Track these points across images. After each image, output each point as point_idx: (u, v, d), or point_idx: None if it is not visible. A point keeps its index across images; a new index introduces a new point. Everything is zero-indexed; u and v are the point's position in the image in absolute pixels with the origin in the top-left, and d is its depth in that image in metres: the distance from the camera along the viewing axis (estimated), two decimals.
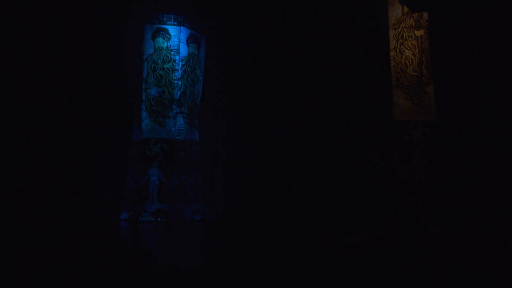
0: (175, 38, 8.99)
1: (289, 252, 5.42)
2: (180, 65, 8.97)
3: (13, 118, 7.62)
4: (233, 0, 9.07)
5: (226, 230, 8.08)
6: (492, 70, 8.02)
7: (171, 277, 3.75)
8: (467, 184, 8.00)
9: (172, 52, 8.96)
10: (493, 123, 8.04)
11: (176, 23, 9.02)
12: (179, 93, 8.91)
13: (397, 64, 8.85)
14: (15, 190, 7.30)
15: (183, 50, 9.03)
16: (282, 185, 9.52)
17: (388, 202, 8.41)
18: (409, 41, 8.86)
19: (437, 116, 8.62)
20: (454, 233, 6.86)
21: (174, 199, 8.60)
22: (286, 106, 9.61)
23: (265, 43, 9.54)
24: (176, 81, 8.92)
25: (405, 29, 8.89)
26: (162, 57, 8.93)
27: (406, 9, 8.85)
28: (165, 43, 8.96)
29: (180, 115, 8.88)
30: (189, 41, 9.13)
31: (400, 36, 8.90)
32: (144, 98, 8.83)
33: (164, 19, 9.02)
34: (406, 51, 8.86)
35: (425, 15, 8.84)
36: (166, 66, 8.92)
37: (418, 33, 8.87)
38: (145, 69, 8.91)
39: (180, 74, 8.96)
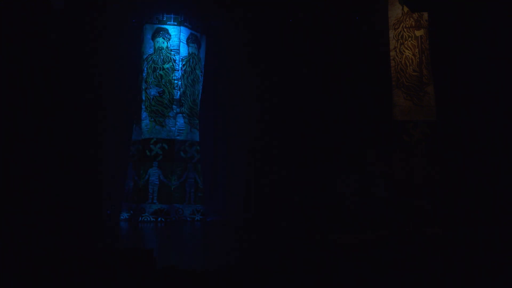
0: (175, 38, 8.99)
1: (289, 252, 5.42)
2: (180, 65, 8.98)
3: (13, 118, 7.62)
4: (233, 0, 9.07)
5: (226, 230, 8.09)
6: (492, 70, 8.01)
7: (171, 277, 3.75)
8: (467, 184, 8.00)
9: (172, 52, 8.97)
10: (493, 123, 8.04)
11: (176, 23, 9.03)
12: (179, 93, 8.91)
13: (397, 64, 8.86)
14: (15, 190, 7.30)
15: (183, 50, 9.04)
16: (282, 184, 9.52)
17: (388, 202, 8.41)
18: (409, 41, 8.87)
19: (437, 116, 8.62)
20: (454, 233, 6.86)
21: (174, 199, 8.60)
22: (285, 106, 9.61)
23: (265, 43, 9.54)
24: (176, 81, 8.92)
25: (405, 29, 8.90)
26: (162, 57, 8.94)
27: (406, 9, 8.84)
28: (165, 43, 8.97)
29: (180, 115, 8.88)
30: (189, 41, 9.14)
31: (400, 36, 8.91)
32: (144, 98, 8.83)
33: (164, 19, 9.02)
34: (406, 51, 8.86)
35: (425, 15, 8.84)
36: (166, 66, 8.92)
37: (418, 33, 8.87)
38: (145, 69, 8.91)
39: (180, 74, 8.96)
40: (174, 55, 8.96)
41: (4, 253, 3.98)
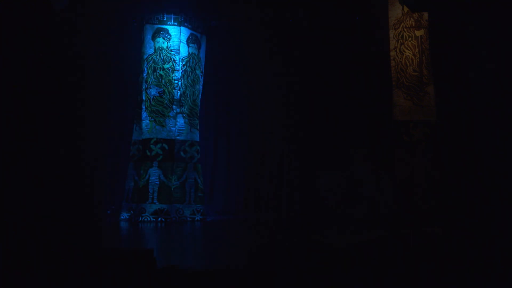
0: (176, 38, 9.00)
1: (289, 252, 5.42)
2: (180, 65, 8.98)
3: (12, 118, 7.62)
4: (233, 0, 9.08)
5: (226, 230, 8.09)
6: (493, 70, 8.01)
7: (171, 277, 3.76)
8: (467, 184, 7.99)
9: (173, 52, 8.97)
10: (493, 123, 8.04)
11: (176, 23, 9.03)
12: (179, 93, 8.92)
13: (397, 64, 8.85)
14: (14, 190, 7.29)
15: (183, 50, 9.04)
16: (281, 185, 9.52)
17: (388, 202, 8.41)
18: (409, 41, 8.86)
19: (437, 116, 8.61)
20: (454, 233, 6.85)
21: (174, 199, 8.60)
22: (285, 106, 9.61)
23: (265, 43, 9.55)
24: (176, 81, 8.92)
25: (405, 29, 8.89)
26: (162, 57, 8.94)
27: (406, 9, 8.83)
28: (166, 43, 8.97)
29: (180, 115, 8.88)
30: (189, 41, 9.14)
31: (400, 36, 8.90)
32: (144, 98, 8.83)
33: (164, 19, 9.03)
34: (406, 51, 8.86)
35: (425, 15, 8.82)
36: (166, 66, 8.92)
37: (418, 33, 8.86)
38: (146, 69, 8.92)
39: (180, 74, 8.96)
40: (174, 55, 8.96)
41: (4, 253, 3.98)
